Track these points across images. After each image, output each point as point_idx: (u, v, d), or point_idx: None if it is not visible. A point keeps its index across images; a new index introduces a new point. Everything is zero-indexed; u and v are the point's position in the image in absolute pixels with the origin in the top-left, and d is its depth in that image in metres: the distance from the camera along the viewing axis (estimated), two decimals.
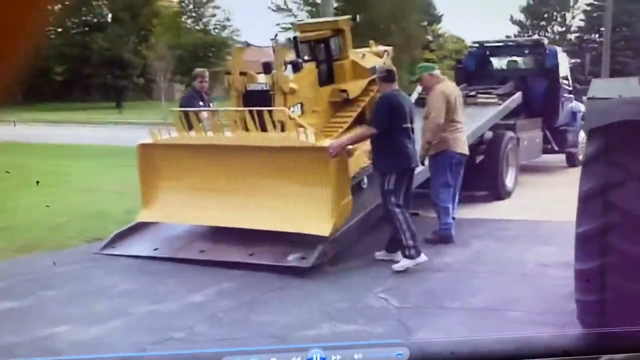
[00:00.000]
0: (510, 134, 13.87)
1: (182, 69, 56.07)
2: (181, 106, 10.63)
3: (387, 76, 9.04)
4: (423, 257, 8.71)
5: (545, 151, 16.40)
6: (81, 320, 7.14)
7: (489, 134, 13.37)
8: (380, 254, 8.96)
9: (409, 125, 8.85)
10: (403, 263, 8.61)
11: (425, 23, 57.77)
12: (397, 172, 8.74)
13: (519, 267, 8.73)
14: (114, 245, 9.63)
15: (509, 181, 13.58)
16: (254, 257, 8.71)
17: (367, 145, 9.61)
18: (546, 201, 12.81)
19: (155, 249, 9.21)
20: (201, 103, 11.08)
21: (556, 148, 16.73)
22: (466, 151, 10.15)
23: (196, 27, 61.38)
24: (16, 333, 6.72)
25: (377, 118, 8.85)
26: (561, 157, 17.33)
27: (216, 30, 65.37)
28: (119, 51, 55.65)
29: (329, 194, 8.63)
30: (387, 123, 8.71)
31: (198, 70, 11.98)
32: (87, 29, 65.47)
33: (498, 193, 13.13)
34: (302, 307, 7.45)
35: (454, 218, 10.08)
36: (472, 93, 15.06)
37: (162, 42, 54.13)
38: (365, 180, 10.08)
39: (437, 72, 10.23)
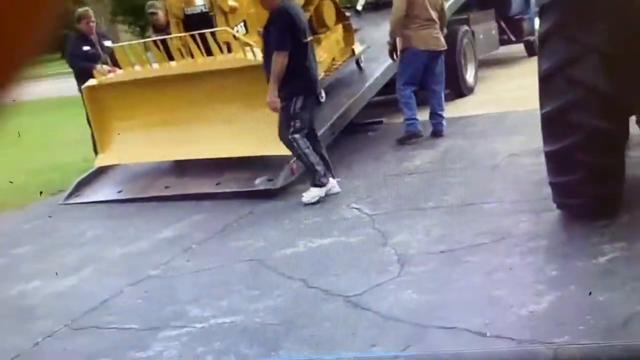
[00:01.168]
0: (464, 28, 13.60)
1: (123, 8, 55.23)
2: (70, 55, 10.63)
3: None
4: (333, 184, 8.09)
5: (503, 42, 16.25)
6: (54, 273, 7.04)
7: (443, 31, 13.13)
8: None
9: (309, 39, 8.20)
10: (312, 193, 7.96)
11: None
12: (304, 95, 7.99)
13: (489, 160, 8.65)
14: (78, 194, 9.50)
15: (469, 77, 13.43)
16: (221, 186, 8.59)
17: (319, 56, 9.35)
18: (509, 92, 12.66)
19: (120, 192, 9.08)
20: (88, 48, 10.52)
21: (513, 38, 16.59)
22: (439, 47, 10.16)
23: None
24: None
25: (281, 38, 7.81)
26: (520, 48, 17.23)
27: None
28: None
29: None
30: (291, 40, 7.83)
31: (80, 11, 10.96)
32: None
33: (459, 90, 12.96)
34: (275, 228, 7.37)
35: (442, 116, 10.16)
36: None
37: None
38: (323, 93, 9.85)
39: None
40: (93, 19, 10.87)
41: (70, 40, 10.92)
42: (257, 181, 8.44)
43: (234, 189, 8.47)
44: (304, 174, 8.33)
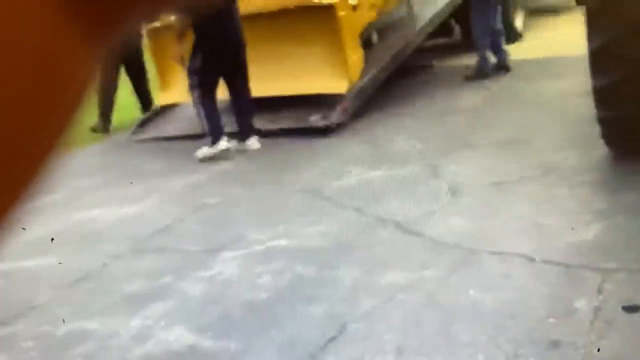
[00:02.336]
0: None
1: None
2: None
3: None
4: (222, 145, 8.00)
5: None
6: (116, 202, 7.10)
7: None
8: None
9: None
10: (200, 152, 8.04)
11: None
12: (205, 50, 7.89)
13: (538, 100, 8.48)
14: (142, 131, 9.59)
15: (518, 23, 13.17)
16: (277, 123, 8.56)
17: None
18: (557, 39, 12.41)
19: (180, 128, 9.08)
20: None
21: None
22: None
23: None
24: (53, 222, 6.67)
25: None
26: None
27: None
28: None
29: (340, 51, 8.41)
30: None
31: None
32: None
33: (508, 36, 12.70)
34: (329, 161, 7.34)
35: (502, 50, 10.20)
36: None
37: None
38: (375, 35, 9.75)
39: None
40: None
41: None
42: (312, 118, 8.38)
43: (290, 126, 8.43)
44: (357, 113, 8.29)
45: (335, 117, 8.28)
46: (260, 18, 8.68)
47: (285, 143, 8.18)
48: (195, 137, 8.74)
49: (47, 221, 6.69)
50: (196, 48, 7.91)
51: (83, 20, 0.44)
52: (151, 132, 9.49)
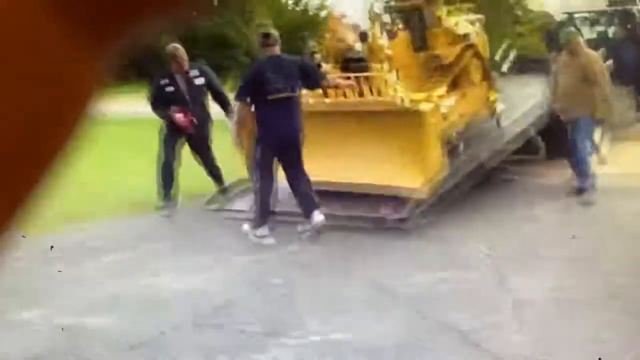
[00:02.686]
0: None
1: (283, 47, 56.56)
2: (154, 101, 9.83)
3: (263, 40, 8.38)
4: (263, 232, 8.04)
5: (639, 120, 15.81)
6: (182, 270, 7.12)
7: None
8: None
9: (277, 96, 8.01)
10: (244, 227, 8.18)
11: None
12: (263, 144, 8.15)
13: (614, 219, 8.37)
14: (217, 201, 9.72)
15: (604, 148, 13.06)
16: (349, 210, 8.55)
17: (462, 109, 9.36)
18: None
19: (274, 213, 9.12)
20: (172, 89, 9.69)
21: None
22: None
23: (296, 8, 61.50)
24: (119, 282, 6.73)
25: (238, 88, 8.36)
26: None
27: (315, 10, 65.56)
28: (225, 31, 56.40)
29: (423, 155, 8.40)
30: (249, 93, 8.14)
31: (170, 48, 9.75)
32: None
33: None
34: (397, 256, 7.29)
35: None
36: None
37: (265, 22, 54.53)
38: (462, 145, 9.73)
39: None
40: (185, 57, 9.79)
41: (155, 80, 9.99)
42: (384, 210, 8.34)
43: (362, 214, 8.42)
44: (435, 220, 8.23)
45: (407, 211, 8.22)
46: (354, 115, 8.83)
47: (355, 231, 8.14)
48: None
49: (113, 281, 6.76)
50: (257, 139, 8.23)
51: (84, 31, 0.45)
52: (225, 203, 9.59)
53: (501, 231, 8.05)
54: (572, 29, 11.88)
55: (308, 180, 8.29)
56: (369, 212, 8.41)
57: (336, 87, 8.78)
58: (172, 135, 9.62)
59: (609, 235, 7.73)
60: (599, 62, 9.91)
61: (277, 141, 8.11)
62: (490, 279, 6.50)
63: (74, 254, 7.78)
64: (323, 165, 8.98)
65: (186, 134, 9.66)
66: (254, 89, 8.08)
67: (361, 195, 8.68)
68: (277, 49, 8.28)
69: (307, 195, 8.24)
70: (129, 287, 6.68)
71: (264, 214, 8.19)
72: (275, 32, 8.56)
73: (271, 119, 8.02)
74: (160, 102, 9.63)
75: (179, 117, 9.48)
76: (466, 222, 8.28)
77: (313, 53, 10.74)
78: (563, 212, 8.89)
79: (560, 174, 10.18)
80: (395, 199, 8.46)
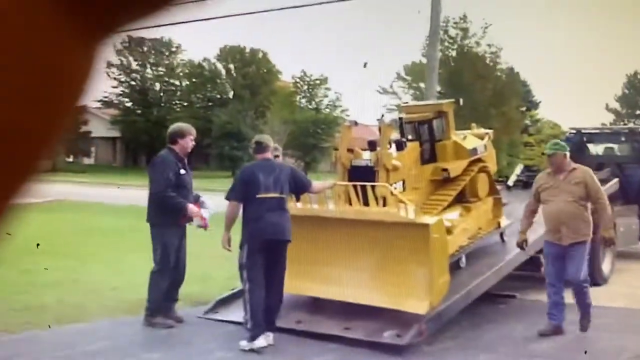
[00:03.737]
0: None
1: (294, 143, 57.00)
2: (159, 170, 8.76)
3: (256, 147, 8.48)
4: (261, 342, 7.83)
5: None
6: None
7: None
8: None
9: (266, 195, 8.01)
10: (242, 343, 7.90)
11: (524, 108, 57.36)
12: (249, 245, 8.06)
13: (613, 357, 8.00)
14: (216, 311, 9.33)
15: (605, 267, 12.79)
16: (350, 332, 8.19)
17: (467, 224, 9.08)
18: None
19: None
20: (184, 172, 8.87)
21: None
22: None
23: (309, 106, 62.18)
24: None
25: (230, 189, 8.31)
26: None
27: (327, 110, 66.33)
28: (238, 125, 56.83)
29: (427, 272, 8.06)
30: (240, 193, 8.12)
31: (184, 126, 9.28)
32: (210, 104, 67.28)
33: (594, 278, 12.29)
34: None
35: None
36: None
37: (278, 118, 55.15)
38: (464, 259, 9.49)
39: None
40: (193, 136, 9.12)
41: (159, 162, 8.93)
42: (386, 334, 7.98)
43: (362, 337, 8.02)
44: (433, 335, 7.83)
45: (409, 337, 7.84)
46: (358, 224, 8.56)
47: (353, 354, 7.76)
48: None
49: None
50: (242, 240, 8.18)
51: (80, 22, 0.49)
52: (223, 314, 9.20)
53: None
54: (559, 141, 10.20)
55: (282, 290, 8.24)
56: (371, 336, 8.04)
57: (317, 192, 8.83)
58: None
59: None
60: (595, 178, 9.01)
61: (263, 240, 8.03)
62: None
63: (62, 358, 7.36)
64: (322, 272, 8.80)
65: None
66: (245, 190, 8.09)
67: (362, 308, 8.36)
68: (269, 155, 8.40)
69: (273, 310, 8.12)
70: None
71: (258, 323, 7.92)
72: (268, 139, 8.76)
73: (259, 217, 7.99)
74: (170, 188, 8.77)
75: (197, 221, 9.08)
76: (465, 349, 7.89)
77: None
78: (563, 345, 8.46)
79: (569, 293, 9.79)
80: (396, 319, 8.08)
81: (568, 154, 8.98)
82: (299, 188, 8.51)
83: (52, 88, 0.50)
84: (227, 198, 8.24)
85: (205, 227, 8.99)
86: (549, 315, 8.77)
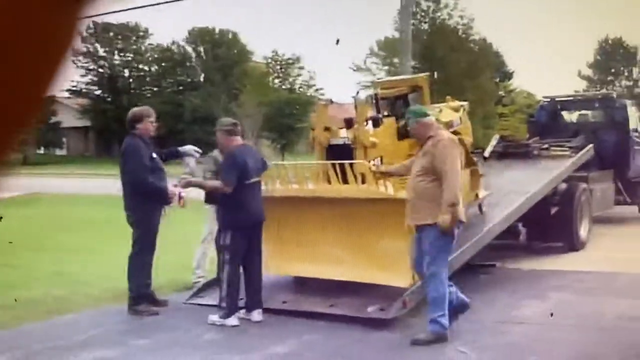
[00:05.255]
0: (583, 185, 13.47)
1: (270, 125, 56.84)
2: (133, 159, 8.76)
3: (232, 129, 8.64)
4: (233, 321, 8.22)
5: (617, 203, 15.93)
6: None
7: (562, 186, 13.00)
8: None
9: (254, 180, 8.45)
10: (212, 317, 8.33)
11: (498, 79, 57.65)
12: (234, 228, 8.35)
13: (596, 320, 8.24)
14: (202, 295, 9.44)
15: (583, 232, 13.10)
16: (334, 308, 8.40)
17: None
18: (621, 253, 12.35)
19: (240, 299, 8.92)
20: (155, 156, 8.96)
21: (628, 200, 16.28)
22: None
23: (282, 87, 61.95)
24: None
25: (227, 176, 8.36)
26: (633, 209, 16.73)
27: (301, 89, 66.12)
28: (211, 108, 56.58)
29: (408, 245, 8.26)
30: (236, 179, 8.26)
31: (142, 109, 9.38)
32: (181, 88, 67.09)
33: (573, 244, 12.66)
34: (384, 355, 7.14)
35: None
36: (545, 146, 14.75)
37: (251, 100, 54.93)
38: None
39: (432, 119, 7.99)
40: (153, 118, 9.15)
41: (130, 150, 8.85)
42: (370, 309, 8.19)
43: (347, 313, 8.23)
44: (417, 308, 8.07)
45: (393, 310, 8.07)
46: (337, 202, 8.71)
47: (339, 329, 7.96)
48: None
49: None
50: (224, 223, 8.49)
51: None
52: (208, 299, 9.26)
53: (484, 333, 7.87)
54: (412, 108, 8.76)
55: (260, 270, 8.62)
56: (354, 312, 8.25)
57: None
58: None
59: (593, 339, 7.60)
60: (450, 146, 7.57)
61: (249, 224, 8.40)
62: None
63: (55, 348, 7.53)
64: (304, 252, 9.00)
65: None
66: (239, 176, 8.28)
67: (345, 284, 8.60)
68: (239, 139, 8.70)
69: (256, 290, 8.52)
70: None
71: (234, 302, 8.33)
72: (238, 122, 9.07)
73: (248, 202, 8.33)
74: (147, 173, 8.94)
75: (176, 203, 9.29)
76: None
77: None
78: (545, 310, 8.71)
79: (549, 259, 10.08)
80: (380, 293, 8.31)
81: (427, 119, 7.77)
82: (265, 170, 8.94)
83: (36, 47, 0.51)
84: (227, 179, 8.26)
85: (182, 205, 9.18)
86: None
